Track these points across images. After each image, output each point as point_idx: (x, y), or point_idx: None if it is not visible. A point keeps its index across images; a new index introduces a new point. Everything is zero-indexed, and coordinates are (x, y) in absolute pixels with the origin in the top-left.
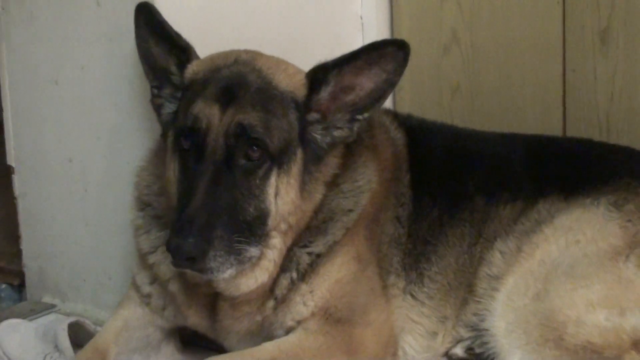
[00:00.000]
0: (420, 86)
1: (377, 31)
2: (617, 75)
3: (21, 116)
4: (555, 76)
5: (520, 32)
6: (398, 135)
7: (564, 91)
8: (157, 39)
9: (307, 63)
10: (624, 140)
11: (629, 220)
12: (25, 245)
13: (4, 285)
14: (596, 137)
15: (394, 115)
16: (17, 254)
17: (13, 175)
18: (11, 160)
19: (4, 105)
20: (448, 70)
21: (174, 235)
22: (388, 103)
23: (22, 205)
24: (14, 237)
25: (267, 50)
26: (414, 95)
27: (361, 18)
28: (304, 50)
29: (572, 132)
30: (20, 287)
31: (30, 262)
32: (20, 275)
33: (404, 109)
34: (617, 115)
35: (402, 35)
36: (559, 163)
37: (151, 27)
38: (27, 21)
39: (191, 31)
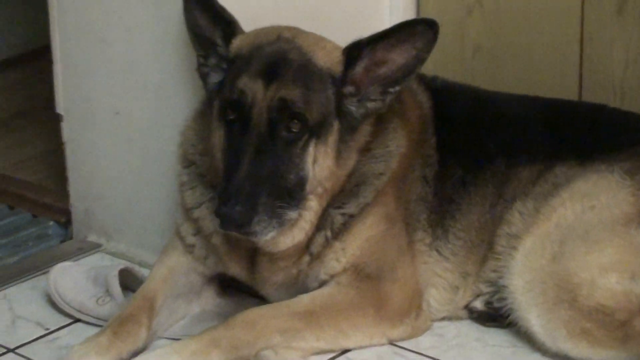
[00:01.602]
0: (444, 46)
1: None
2: (632, 44)
3: (70, 70)
4: (573, 42)
5: None
6: (424, 99)
7: (581, 57)
8: (203, 10)
9: (333, 29)
10: (636, 107)
11: (634, 190)
12: (72, 186)
13: (51, 222)
14: (610, 102)
15: (420, 77)
16: (65, 194)
17: (61, 123)
18: (60, 109)
19: (54, 59)
20: (470, 31)
21: (223, 204)
22: None
23: (69, 150)
24: (62, 178)
25: (301, 21)
26: (437, 54)
27: None
28: (328, 12)
29: (587, 97)
30: (66, 225)
31: (77, 202)
32: (67, 213)
33: (428, 66)
34: (630, 83)
35: None
36: (576, 127)
37: (198, 0)
38: None
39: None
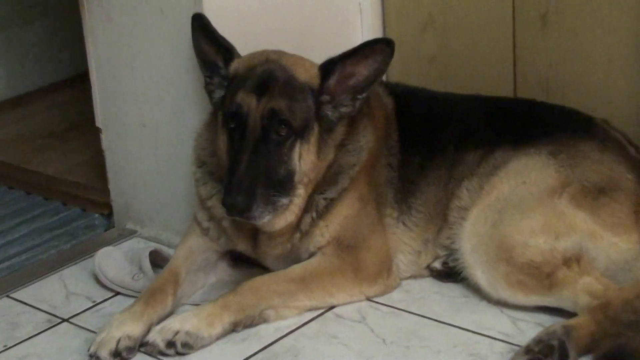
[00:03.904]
0: (405, 57)
1: (372, 14)
2: (553, 50)
3: (105, 91)
4: (507, 50)
5: (480, 16)
6: (388, 102)
7: (514, 62)
8: (207, 40)
9: (319, 44)
10: (559, 100)
11: (562, 166)
12: (112, 185)
13: (97, 215)
14: (538, 97)
15: (385, 84)
16: (107, 192)
17: (101, 135)
18: (99, 123)
19: (92, 82)
20: (426, 45)
21: (227, 195)
22: None
23: (108, 156)
24: (104, 179)
25: (284, 36)
26: (400, 64)
27: (360, 6)
28: (316, 33)
29: (520, 93)
30: (109, 217)
31: (116, 197)
32: (109, 207)
33: (394, 73)
34: (554, 80)
35: (390, 16)
36: (511, 119)
37: (203, 32)
38: (107, 22)
39: (229, 30)
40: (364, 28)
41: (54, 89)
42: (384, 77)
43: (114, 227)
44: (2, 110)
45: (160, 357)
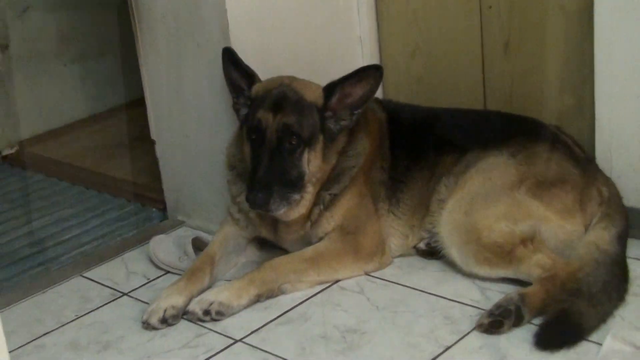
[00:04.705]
0: (398, 78)
1: (370, 44)
2: (515, 71)
3: (157, 110)
4: (478, 72)
5: (456, 45)
6: (381, 115)
7: (484, 81)
8: (235, 68)
9: (327, 67)
10: (520, 110)
11: (520, 164)
12: (165, 185)
13: (153, 209)
14: (504, 109)
15: (379, 101)
16: (161, 191)
17: (155, 145)
18: (153, 136)
19: (147, 104)
20: (414, 68)
21: (250, 192)
22: (379, 89)
23: (161, 163)
24: (159, 180)
25: (297, 63)
26: (394, 84)
27: (360, 38)
28: (324, 59)
29: (489, 106)
30: (163, 210)
31: (169, 195)
32: (163, 203)
33: (390, 90)
34: (516, 95)
35: (386, 47)
36: (480, 127)
37: (231, 61)
38: (156, 55)
39: (251, 59)
40: (364, 55)
41: (120, 109)
42: (379, 94)
43: (166, 219)
44: (82, 126)
45: (199, 322)
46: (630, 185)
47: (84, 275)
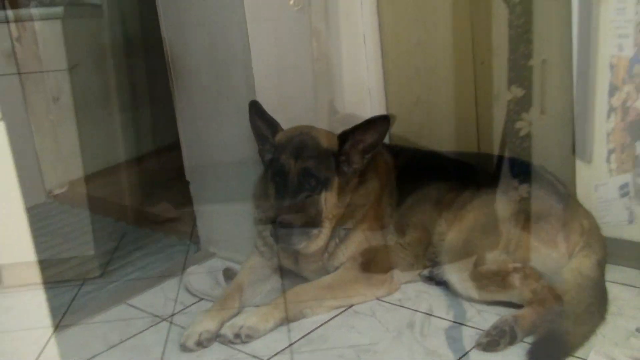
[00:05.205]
0: (402, 124)
1: (377, 96)
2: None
3: (191, 154)
4: (472, 117)
5: (452, 94)
6: (388, 158)
7: (477, 125)
8: (260, 118)
9: (340, 117)
10: (509, 152)
11: (511, 201)
12: (199, 221)
13: (188, 242)
14: (494, 150)
15: (387, 146)
16: (195, 225)
17: (189, 185)
18: (188, 177)
19: (182, 148)
20: (416, 116)
21: (274, 229)
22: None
23: (194, 200)
24: (193, 217)
25: (315, 113)
26: (400, 129)
27: (369, 90)
28: (338, 109)
29: (482, 146)
30: (197, 243)
31: (202, 230)
32: (197, 237)
33: (395, 135)
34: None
35: (390, 94)
36: (475, 169)
37: (257, 112)
38: (190, 106)
39: (274, 110)
40: (373, 105)
41: (158, 153)
42: (387, 140)
43: (200, 250)
44: (124, 168)
45: (230, 344)
46: (607, 218)
47: (128, 302)
